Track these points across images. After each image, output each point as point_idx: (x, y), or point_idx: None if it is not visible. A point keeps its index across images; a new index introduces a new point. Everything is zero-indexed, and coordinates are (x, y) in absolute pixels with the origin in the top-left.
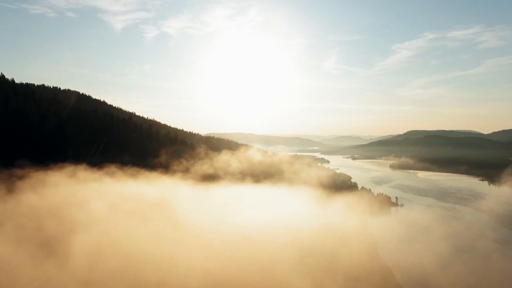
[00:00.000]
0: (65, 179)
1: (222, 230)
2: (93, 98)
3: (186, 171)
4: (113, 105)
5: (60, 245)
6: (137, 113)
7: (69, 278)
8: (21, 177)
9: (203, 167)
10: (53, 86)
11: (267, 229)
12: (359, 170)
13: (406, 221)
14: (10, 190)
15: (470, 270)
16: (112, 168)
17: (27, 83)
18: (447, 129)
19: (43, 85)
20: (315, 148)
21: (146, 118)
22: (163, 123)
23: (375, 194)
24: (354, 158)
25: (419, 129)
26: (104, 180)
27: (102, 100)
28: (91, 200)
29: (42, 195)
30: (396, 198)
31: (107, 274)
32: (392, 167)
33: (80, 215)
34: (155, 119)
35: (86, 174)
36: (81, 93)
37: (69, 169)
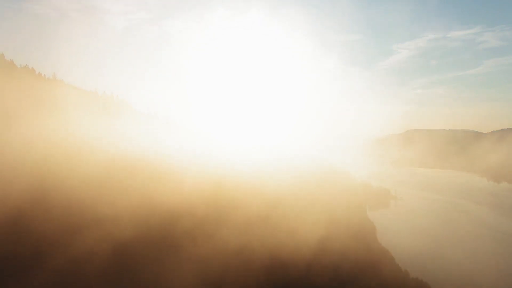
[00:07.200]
0: None
1: None
2: None
3: None
4: None
5: None
6: None
7: None
8: None
9: None
10: None
11: None
12: (359, 166)
13: (405, 212)
14: None
15: (465, 256)
16: None
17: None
18: (447, 128)
19: None
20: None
21: None
22: None
23: (375, 188)
24: (354, 156)
25: (419, 128)
26: None
27: None
28: None
29: None
30: (396, 191)
31: None
32: (392, 164)
33: None
34: None
35: None
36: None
37: None
